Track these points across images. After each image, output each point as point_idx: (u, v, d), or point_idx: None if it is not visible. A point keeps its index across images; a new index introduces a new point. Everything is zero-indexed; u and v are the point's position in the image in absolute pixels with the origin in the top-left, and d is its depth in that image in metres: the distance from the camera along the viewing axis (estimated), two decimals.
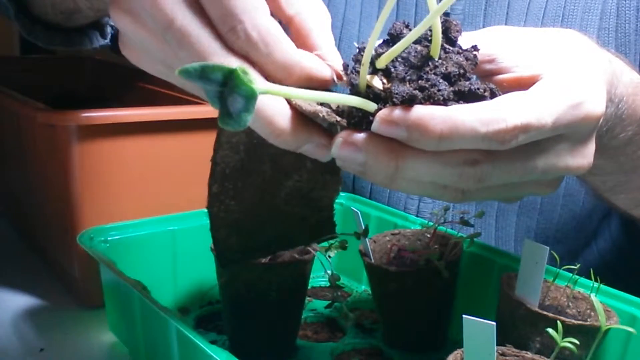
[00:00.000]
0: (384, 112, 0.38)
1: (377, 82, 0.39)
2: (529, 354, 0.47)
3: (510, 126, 0.37)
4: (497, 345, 0.41)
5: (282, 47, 0.39)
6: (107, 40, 0.78)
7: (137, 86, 1.04)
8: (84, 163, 0.69)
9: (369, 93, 0.39)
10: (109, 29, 0.77)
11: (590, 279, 0.57)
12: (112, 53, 0.80)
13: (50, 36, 0.73)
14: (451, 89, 0.39)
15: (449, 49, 0.41)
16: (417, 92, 0.38)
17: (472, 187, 0.40)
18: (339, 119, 0.40)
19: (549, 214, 0.82)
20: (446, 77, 0.39)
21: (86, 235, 0.65)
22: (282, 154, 0.47)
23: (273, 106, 0.39)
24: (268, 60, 0.39)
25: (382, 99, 0.39)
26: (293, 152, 0.41)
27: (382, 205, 0.80)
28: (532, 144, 0.40)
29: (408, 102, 0.38)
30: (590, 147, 0.44)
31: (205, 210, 0.72)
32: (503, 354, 0.48)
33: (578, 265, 0.58)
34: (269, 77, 0.40)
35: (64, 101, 0.93)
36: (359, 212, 0.65)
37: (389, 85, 0.39)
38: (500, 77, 0.44)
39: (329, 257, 0.65)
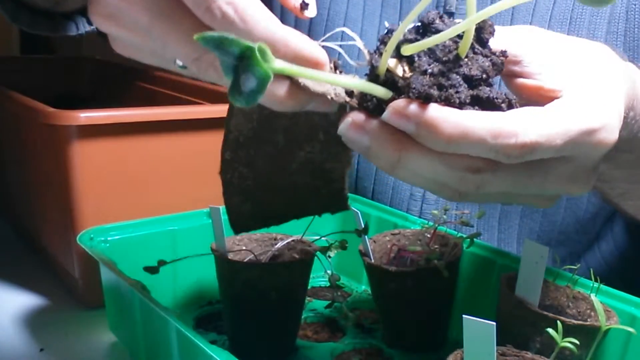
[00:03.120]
0: (397, 104, 0.38)
1: (399, 69, 0.39)
2: (529, 354, 0.47)
3: (520, 143, 0.37)
4: (497, 345, 0.41)
5: (262, 23, 0.38)
6: (94, 27, 0.77)
7: (137, 86, 1.04)
8: (84, 163, 0.69)
9: (388, 78, 0.39)
10: None
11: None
12: (100, 37, 0.80)
13: (35, 21, 0.72)
14: (470, 92, 0.38)
15: (478, 49, 0.40)
16: (434, 90, 0.38)
17: (471, 191, 0.40)
18: (348, 99, 0.40)
19: (552, 216, 0.82)
20: (468, 79, 0.39)
21: (86, 235, 0.65)
22: (294, 125, 0.47)
23: (272, 82, 0.39)
24: (250, 38, 0.38)
25: (398, 87, 0.39)
26: (305, 124, 0.41)
27: (383, 206, 0.80)
28: (537, 161, 0.40)
29: (424, 99, 0.37)
30: (594, 173, 0.43)
31: (206, 210, 0.72)
32: (503, 354, 0.48)
33: (578, 266, 0.58)
34: None
35: (64, 101, 0.93)
36: (359, 212, 0.65)
37: (409, 75, 0.39)
38: (522, 80, 0.44)
39: (329, 257, 0.65)
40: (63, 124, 0.67)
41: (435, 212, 0.67)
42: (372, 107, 0.39)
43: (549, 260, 0.54)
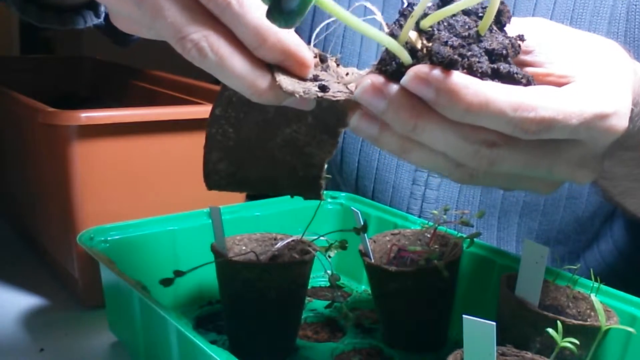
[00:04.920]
0: (419, 68, 0.37)
1: (419, 43, 0.39)
2: (529, 354, 0.47)
3: (539, 117, 0.37)
4: (497, 345, 0.41)
5: (258, 11, 0.39)
6: (101, 19, 0.77)
7: (137, 86, 1.04)
8: (84, 163, 0.69)
9: (406, 49, 0.39)
10: (102, 8, 0.77)
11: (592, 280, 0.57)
12: (105, 36, 0.80)
13: (43, 15, 0.72)
14: (490, 66, 0.38)
15: (496, 30, 0.40)
16: (458, 57, 0.37)
17: (483, 168, 0.40)
18: (320, 94, 0.40)
19: (551, 215, 0.82)
20: (489, 53, 0.39)
21: (86, 235, 0.65)
22: None
23: (254, 72, 0.40)
24: (241, 22, 0.39)
25: (417, 57, 0.38)
26: None
27: (383, 205, 0.80)
28: (550, 142, 0.40)
29: (447, 65, 0.37)
30: (601, 162, 0.44)
31: (206, 210, 0.72)
32: (503, 354, 0.48)
33: (578, 266, 0.58)
34: (241, 42, 0.40)
35: (64, 101, 0.93)
36: (359, 212, 0.65)
37: (430, 45, 0.38)
38: (532, 69, 0.44)
39: (329, 257, 0.65)
40: (63, 124, 0.67)
41: (435, 212, 0.67)
42: (391, 71, 0.39)
43: (549, 259, 0.54)
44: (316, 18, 0.88)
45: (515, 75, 0.39)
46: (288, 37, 0.40)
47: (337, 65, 0.46)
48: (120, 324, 0.64)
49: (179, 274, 0.61)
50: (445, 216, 0.66)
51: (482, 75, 0.38)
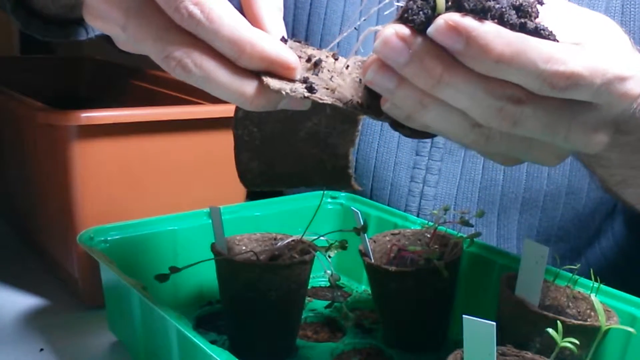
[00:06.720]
0: (450, 16, 0.36)
1: None
2: (529, 354, 0.47)
3: (568, 71, 0.37)
4: (497, 345, 0.41)
5: (229, 23, 0.39)
6: None
7: (137, 86, 1.04)
8: (84, 163, 0.69)
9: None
10: None
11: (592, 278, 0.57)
12: (109, 44, 0.80)
13: (46, 29, 0.73)
14: (519, 20, 0.38)
15: None
16: (490, 4, 0.37)
17: (504, 128, 0.39)
18: (306, 94, 0.40)
19: (551, 212, 0.82)
20: (515, 8, 0.38)
21: (86, 235, 0.65)
22: None
23: (240, 81, 0.40)
24: (216, 37, 0.39)
25: (446, 8, 0.37)
26: None
27: (382, 205, 0.80)
28: (569, 103, 0.40)
29: (479, 12, 0.36)
30: (611, 129, 0.44)
31: (206, 210, 0.72)
32: (503, 354, 0.48)
33: (578, 265, 0.58)
34: (221, 56, 0.40)
35: (64, 101, 0.93)
36: (359, 212, 0.65)
37: None
38: None
39: (329, 257, 0.65)
40: (63, 124, 0.67)
41: (435, 211, 0.67)
42: (419, 22, 0.38)
43: (549, 259, 0.54)
44: (312, 18, 0.89)
45: (542, 31, 0.38)
46: (266, 44, 0.40)
47: (336, 59, 0.46)
48: (120, 324, 0.64)
49: (174, 270, 0.61)
50: (445, 216, 0.66)
51: (512, 28, 0.37)
